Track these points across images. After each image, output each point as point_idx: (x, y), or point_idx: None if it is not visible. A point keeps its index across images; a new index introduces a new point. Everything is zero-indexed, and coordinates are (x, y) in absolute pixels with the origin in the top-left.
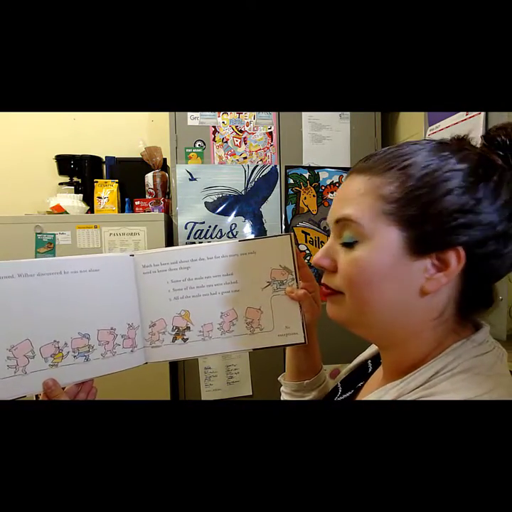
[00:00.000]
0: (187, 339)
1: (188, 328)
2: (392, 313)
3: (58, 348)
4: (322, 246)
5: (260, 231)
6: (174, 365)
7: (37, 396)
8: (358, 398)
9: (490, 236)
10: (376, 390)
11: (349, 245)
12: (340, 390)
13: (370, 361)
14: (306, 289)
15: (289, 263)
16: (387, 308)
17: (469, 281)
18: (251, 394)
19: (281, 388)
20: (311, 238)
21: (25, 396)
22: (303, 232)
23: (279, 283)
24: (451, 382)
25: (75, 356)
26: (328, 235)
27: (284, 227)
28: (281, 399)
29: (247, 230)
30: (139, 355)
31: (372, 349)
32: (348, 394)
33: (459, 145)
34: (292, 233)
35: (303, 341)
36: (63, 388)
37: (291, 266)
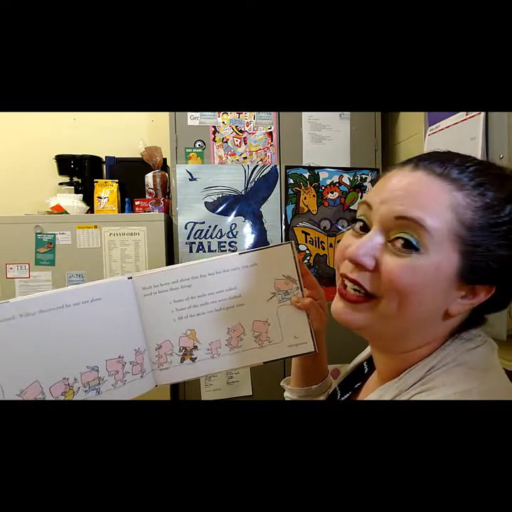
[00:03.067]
0: (195, 358)
1: (195, 347)
2: (418, 324)
3: (68, 385)
4: (322, 246)
5: (260, 231)
6: None
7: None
8: (357, 399)
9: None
10: (376, 390)
11: (406, 249)
12: (338, 394)
13: (365, 363)
14: (311, 296)
15: (292, 272)
16: (417, 319)
17: (480, 309)
18: (251, 394)
19: (285, 394)
20: (311, 238)
21: None
22: (303, 232)
23: (283, 293)
24: (448, 375)
25: (86, 391)
26: (328, 235)
27: (284, 227)
28: None
29: (247, 230)
30: (149, 380)
31: (367, 351)
32: (346, 396)
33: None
34: (293, 241)
35: (313, 350)
36: None
37: (294, 275)
